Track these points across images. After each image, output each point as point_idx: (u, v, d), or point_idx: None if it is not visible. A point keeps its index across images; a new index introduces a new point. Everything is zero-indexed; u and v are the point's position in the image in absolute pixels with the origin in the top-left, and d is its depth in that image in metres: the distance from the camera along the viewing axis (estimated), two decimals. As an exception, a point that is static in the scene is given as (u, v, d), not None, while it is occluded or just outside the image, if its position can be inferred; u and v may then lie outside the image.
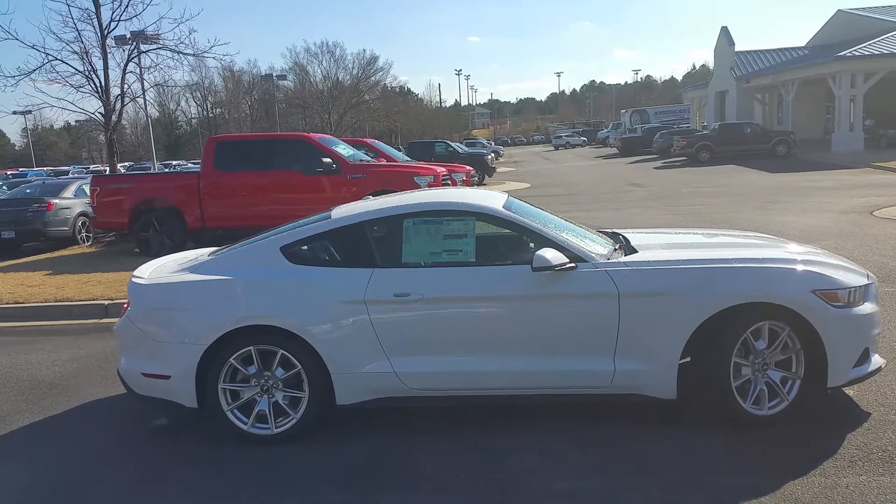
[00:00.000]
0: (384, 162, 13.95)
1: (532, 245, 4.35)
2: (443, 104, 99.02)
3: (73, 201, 14.85)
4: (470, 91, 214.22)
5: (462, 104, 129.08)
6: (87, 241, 14.63)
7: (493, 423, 4.40)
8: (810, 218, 12.29)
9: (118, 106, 14.92)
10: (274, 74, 55.02)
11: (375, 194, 10.81)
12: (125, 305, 4.55)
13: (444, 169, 12.37)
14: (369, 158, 13.31)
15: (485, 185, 26.26)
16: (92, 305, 8.14)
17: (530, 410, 4.50)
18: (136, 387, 4.47)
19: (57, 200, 14.61)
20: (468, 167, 16.72)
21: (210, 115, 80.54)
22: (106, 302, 8.09)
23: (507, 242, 4.58)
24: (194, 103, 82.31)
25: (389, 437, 4.33)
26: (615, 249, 4.48)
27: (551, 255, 4.02)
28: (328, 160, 11.28)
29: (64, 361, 6.39)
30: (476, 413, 4.51)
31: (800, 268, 4.12)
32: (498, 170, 32.63)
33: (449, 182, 12.18)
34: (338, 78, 55.70)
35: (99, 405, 5.22)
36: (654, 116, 52.62)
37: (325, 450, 4.20)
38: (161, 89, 55.44)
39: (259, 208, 11.41)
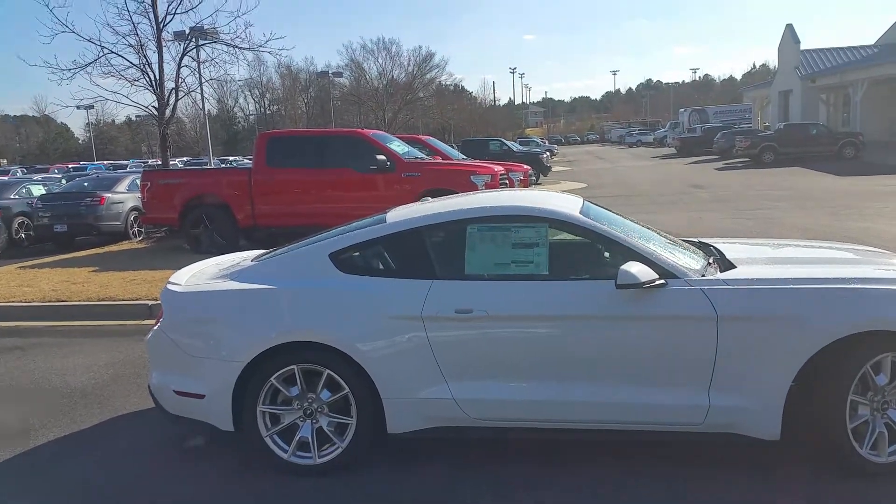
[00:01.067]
0: (439, 160, 13.48)
1: (612, 257, 3.79)
2: (496, 102, 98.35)
3: (126, 195, 14.81)
4: (524, 89, 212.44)
5: (516, 102, 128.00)
6: (139, 237, 14.57)
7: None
8: (887, 225, 11.58)
9: (172, 100, 14.80)
10: (330, 71, 55.13)
11: (430, 193, 10.50)
12: (158, 314, 4.15)
13: (501, 168, 11.84)
14: (424, 156, 12.88)
15: (540, 184, 25.60)
16: (135, 305, 7.88)
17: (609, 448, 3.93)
18: (167, 405, 4.07)
19: (110, 194, 14.58)
20: (526, 166, 16.12)
21: (267, 111, 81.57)
22: (150, 302, 7.81)
23: (584, 253, 4.02)
24: (252, 100, 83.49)
25: (445, 469, 3.83)
26: (709, 264, 3.88)
27: (638, 269, 3.46)
28: (382, 157, 10.87)
29: (100, 367, 6.09)
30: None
31: None
32: (553, 169, 31.87)
33: (506, 182, 11.65)
34: (393, 75, 55.57)
35: (131, 420, 4.85)
36: (714, 116, 51.02)
37: (374, 484, 3.72)
38: (220, 85, 56.42)
39: (311, 206, 11.10)
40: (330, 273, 3.89)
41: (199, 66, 16.56)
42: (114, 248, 13.45)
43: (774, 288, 3.49)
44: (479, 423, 3.75)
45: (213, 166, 26.66)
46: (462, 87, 76.44)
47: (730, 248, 4.29)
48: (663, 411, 3.58)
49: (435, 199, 4.72)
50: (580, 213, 3.91)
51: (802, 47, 38.37)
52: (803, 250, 4.54)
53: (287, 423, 3.88)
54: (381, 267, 4.01)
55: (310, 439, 3.84)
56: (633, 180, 26.07)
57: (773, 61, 43.73)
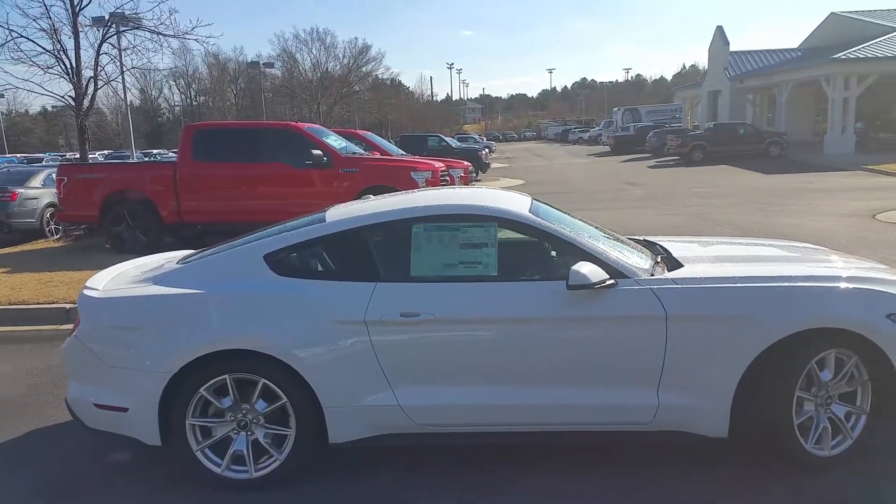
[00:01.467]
0: (378, 155, 13.20)
1: (562, 257, 3.67)
2: (434, 98, 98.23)
3: (41, 191, 13.95)
4: (461, 85, 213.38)
5: (454, 98, 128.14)
6: (56, 235, 13.77)
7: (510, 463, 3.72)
8: (814, 221, 11.96)
9: (90, 90, 13.97)
10: (261, 62, 53.70)
11: (370, 190, 10.30)
12: (75, 322, 3.80)
13: (442, 164, 11.64)
14: (362, 151, 12.58)
15: (479, 181, 25.61)
16: (52, 309, 7.33)
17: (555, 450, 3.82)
18: (87, 419, 3.74)
19: (22, 190, 13.71)
20: (466, 163, 15.98)
21: (194, 103, 79.21)
22: (67, 306, 7.29)
23: (533, 253, 3.89)
24: (177, 90, 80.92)
25: (387, 477, 3.65)
26: (657, 263, 3.81)
27: (589, 270, 3.34)
28: (318, 152, 10.51)
29: (15, 377, 5.63)
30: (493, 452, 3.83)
31: (876, 288, 3.49)
32: (491, 165, 31.95)
33: (447, 178, 11.48)
34: (327, 68, 54.53)
35: (48, 434, 4.46)
36: (646, 115, 52.18)
37: (313, 496, 3.50)
38: (143, 75, 54.27)
39: (242, 203, 10.64)
40: (264, 276, 3.64)
41: (120, 54, 15.67)
42: (28, 247, 12.63)
43: (722, 287, 3.45)
44: (427, 429, 3.57)
45: (135, 160, 25.57)
46: (399, 81, 75.98)
47: (675, 247, 4.24)
48: (613, 411, 3.49)
49: (377, 196, 4.51)
50: (530, 211, 3.77)
51: (731, 49, 39.55)
52: (746, 248, 4.53)
53: (219, 436, 3.62)
54: (320, 269, 3.78)
55: (245, 452, 3.59)
56: (570, 177, 26.39)
57: (702, 63, 45.08)
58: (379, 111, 57.72)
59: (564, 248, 3.62)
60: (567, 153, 48.55)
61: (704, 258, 3.95)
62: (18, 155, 46.14)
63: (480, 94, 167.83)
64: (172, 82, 77.10)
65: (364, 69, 56.17)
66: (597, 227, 4.17)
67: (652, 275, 3.55)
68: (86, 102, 14.01)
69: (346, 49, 55.75)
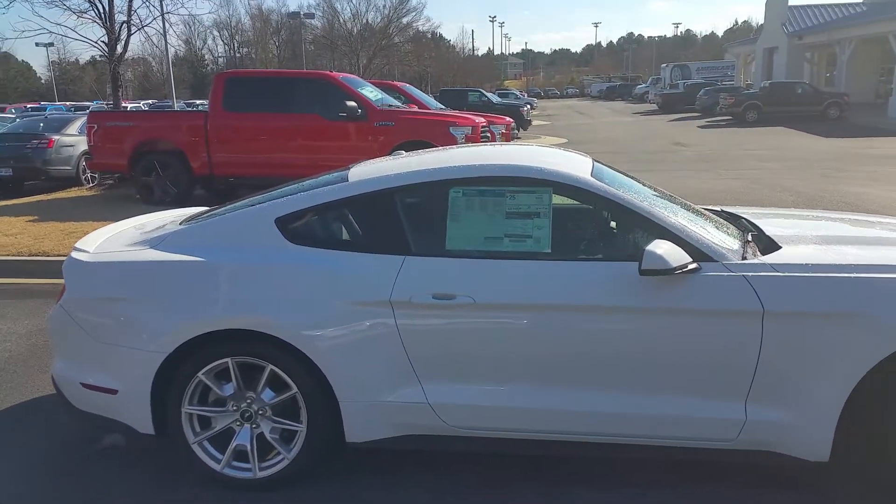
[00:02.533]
0: (416, 109, 12.52)
1: (630, 232, 3.04)
2: (475, 52, 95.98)
3: (77, 138, 13.60)
4: (503, 39, 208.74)
5: (495, 53, 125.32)
6: (91, 183, 13.49)
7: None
8: (881, 190, 11.03)
9: (124, 35, 13.51)
10: (301, 12, 52.84)
11: (406, 146, 9.66)
12: (61, 289, 3.32)
13: (482, 119, 10.92)
14: (399, 104, 11.91)
15: (520, 138, 24.72)
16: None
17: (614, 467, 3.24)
18: (74, 399, 3.28)
19: (59, 137, 13.37)
20: (508, 118, 15.11)
21: (237, 54, 78.82)
22: (85, 260, 6.90)
23: (595, 227, 3.26)
24: (221, 42, 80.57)
25: (416, 487, 3.13)
26: (747, 242, 3.14)
27: (668, 250, 2.71)
28: (352, 104, 9.90)
29: (20, 335, 5.25)
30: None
31: None
32: (532, 123, 30.90)
33: (488, 135, 10.76)
34: (367, 19, 53.40)
35: (39, 406, 4.05)
36: (697, 72, 49.96)
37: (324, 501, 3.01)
38: (187, 25, 53.88)
39: (273, 156, 10.15)
40: (275, 243, 3.09)
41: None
42: (62, 194, 12.37)
43: (837, 277, 2.75)
44: (462, 432, 3.03)
45: (176, 109, 25.24)
46: (440, 34, 74.51)
47: (766, 223, 3.53)
48: (689, 425, 2.89)
49: (409, 153, 3.88)
50: (592, 175, 3.12)
51: (790, 2, 37.40)
52: (853, 227, 3.73)
53: (220, 428, 3.13)
54: (339, 237, 3.23)
55: (248, 448, 3.10)
56: (615, 136, 25.33)
57: (755, 18, 43.00)
58: (419, 64, 56.50)
59: (635, 221, 2.97)
60: (611, 111, 46.93)
61: (806, 238, 3.22)
62: (67, 103, 46.38)
63: (522, 49, 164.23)
64: (216, 33, 76.76)
65: (404, 20, 54.93)
66: (670, 196, 3.50)
67: (744, 258, 2.89)
68: (119, 48, 13.55)
69: (386, -1, 54.43)
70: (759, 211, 4.04)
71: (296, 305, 2.94)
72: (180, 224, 3.48)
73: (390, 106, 10.86)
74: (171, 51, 28.98)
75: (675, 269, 2.68)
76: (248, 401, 3.09)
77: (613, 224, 3.17)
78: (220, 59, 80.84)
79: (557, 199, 3.04)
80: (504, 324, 2.89)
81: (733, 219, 3.62)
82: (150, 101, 43.99)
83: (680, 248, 2.75)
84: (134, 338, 3.05)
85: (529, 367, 2.91)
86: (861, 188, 11.32)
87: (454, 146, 4.00)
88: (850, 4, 36.96)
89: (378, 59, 49.20)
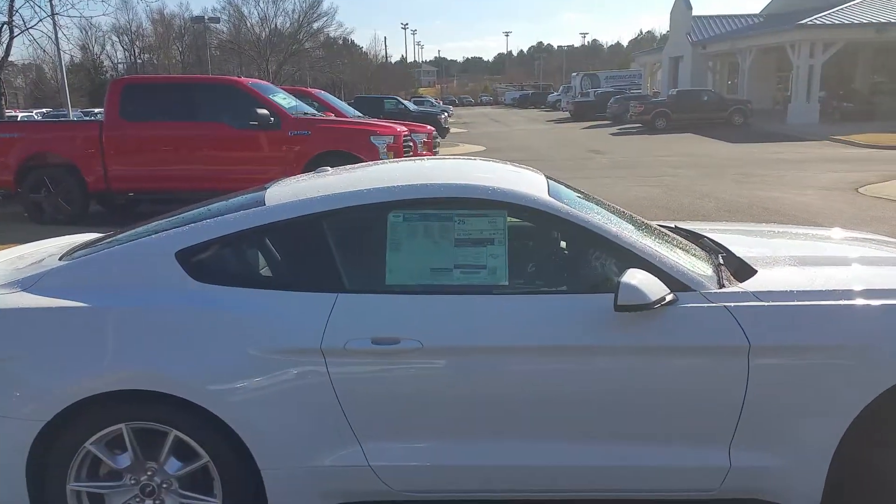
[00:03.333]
0: (333, 117, 11.95)
1: (595, 259, 2.68)
2: (388, 59, 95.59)
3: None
4: (416, 47, 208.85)
5: (408, 60, 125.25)
6: (-28, 200, 12.21)
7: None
8: (796, 195, 11.32)
9: (5, 38, 12.33)
10: (206, 16, 50.94)
11: (324, 157, 9.01)
12: None
13: (404, 128, 10.49)
14: (315, 112, 11.33)
15: (439, 147, 24.45)
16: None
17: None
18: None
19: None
20: (429, 127, 14.76)
21: (138, 60, 75.40)
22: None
23: (554, 254, 2.88)
24: (121, 47, 76.91)
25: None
26: (719, 266, 2.83)
27: (643, 281, 2.36)
28: (264, 111, 9.26)
29: None
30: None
31: None
32: (450, 130, 30.70)
33: (410, 144, 10.33)
34: (276, 23, 52.05)
35: None
36: (605, 81, 51.27)
37: None
38: (83, 31, 50.99)
39: (177, 168, 9.42)
40: (176, 282, 2.56)
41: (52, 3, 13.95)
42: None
43: (827, 305, 2.47)
44: (411, 496, 2.59)
45: (72, 119, 23.64)
46: (352, 41, 73.65)
47: (729, 241, 3.25)
48: (667, 475, 2.54)
49: (337, 169, 3.40)
50: (549, 194, 2.74)
51: (694, 13, 38.83)
52: (821, 245, 3.46)
53: (114, 509, 2.57)
54: (256, 274, 2.73)
55: (151, 531, 2.55)
56: (532, 144, 25.45)
57: (659, 29, 44.50)
58: (331, 71, 55.57)
59: (602, 247, 2.61)
60: (525, 119, 47.46)
61: (780, 260, 2.91)
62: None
63: (435, 57, 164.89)
64: (115, 38, 73.22)
65: (315, 25, 53.89)
66: (630, 216, 3.16)
67: (721, 285, 2.57)
68: (-1, 52, 12.35)
69: (296, 3, 53.31)
70: (712, 226, 3.78)
71: (204, 359, 2.43)
72: (60, 259, 2.88)
73: (305, 114, 10.27)
74: (66, 57, 27.21)
75: (654, 302, 2.33)
76: (150, 473, 2.54)
77: (584, 252, 2.78)
78: (120, 66, 77.19)
79: (511, 221, 2.65)
80: (457, 370, 2.47)
81: (694, 237, 3.33)
82: (43, 111, 41.43)
83: (656, 279, 2.41)
84: (2, 403, 2.45)
85: (488, 418, 2.50)
86: (774, 192, 11.59)
87: (388, 161, 3.54)
88: (748, 16, 38.76)
89: (288, 66, 48.04)
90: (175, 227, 2.71)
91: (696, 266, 2.68)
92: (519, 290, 2.54)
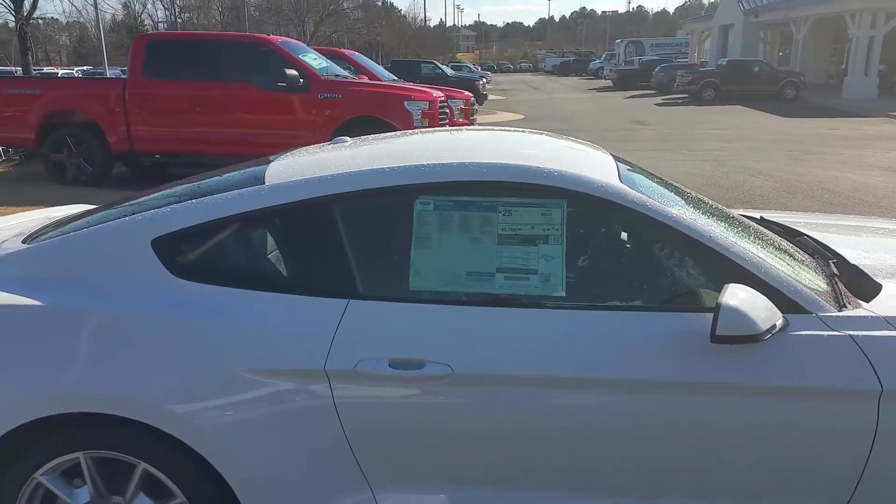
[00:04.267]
0: (366, 80, 11.35)
1: (679, 266, 2.09)
2: (427, 23, 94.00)
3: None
4: (455, 11, 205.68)
5: (447, 24, 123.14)
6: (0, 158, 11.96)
7: None
8: (857, 175, 10.50)
9: (32, -7, 11.92)
10: (244, -27, 50.23)
11: (355, 122, 8.46)
12: None
13: (440, 93, 9.84)
14: (347, 74, 10.74)
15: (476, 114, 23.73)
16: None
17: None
18: None
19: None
20: (467, 93, 13.96)
21: (178, 20, 75.34)
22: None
23: (625, 256, 2.29)
24: (161, 6, 76.94)
25: None
26: (834, 278, 2.22)
27: (750, 303, 1.78)
28: (293, 72, 8.70)
29: None
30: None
31: None
32: (488, 97, 29.83)
33: (447, 111, 9.70)
34: (315, -19, 51.05)
35: None
36: (651, 49, 49.51)
37: None
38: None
39: (201, 130, 8.92)
40: (151, 276, 2.05)
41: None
42: (-40, 171, 10.92)
43: None
44: (429, 555, 2.07)
45: (104, 76, 23.37)
46: (391, 3, 72.36)
47: (836, 241, 2.62)
48: None
49: (356, 140, 2.83)
50: (622, 180, 2.15)
51: (747, -20, 37.06)
52: None
53: (72, 551, 2.11)
54: (249, 270, 2.20)
55: (115, 580, 2.09)
56: (572, 113, 24.59)
57: (708, -5, 42.53)
58: (369, 33, 54.54)
59: (692, 251, 2.01)
60: (566, 87, 46.16)
61: None
62: (-6, 68, 43.42)
63: (475, 21, 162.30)
64: (156, -4, 73.26)
65: (354, -16, 52.79)
66: (716, 207, 2.55)
67: (841, 306, 1.98)
68: (26, 6, 11.96)
69: (336, -39, 52.09)
70: (799, 218, 3.15)
71: (175, 375, 1.93)
72: (24, 241, 2.39)
73: (337, 76, 9.69)
74: (108, 14, 26.82)
75: (764, 332, 1.76)
76: (112, 510, 2.07)
77: (667, 256, 2.19)
78: (161, 25, 77.26)
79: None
80: (497, 404, 1.93)
81: (789, 234, 2.71)
82: (84, 68, 41.60)
83: (764, 298, 1.83)
84: (-65, 420, 1.99)
85: (534, 465, 1.96)
86: (834, 172, 10.82)
87: (419, 131, 2.96)
88: (804, -17, 36.93)
89: (325, 26, 47.18)
90: (152, 210, 2.19)
91: (809, 279, 2.08)
92: (579, 304, 1.97)
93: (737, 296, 1.77)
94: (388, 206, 2.10)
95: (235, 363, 1.93)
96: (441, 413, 1.93)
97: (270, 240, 2.19)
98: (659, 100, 30.49)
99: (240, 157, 2.69)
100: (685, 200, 2.31)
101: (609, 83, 43.64)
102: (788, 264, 2.11)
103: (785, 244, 2.39)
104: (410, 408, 1.93)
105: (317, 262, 2.05)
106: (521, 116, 23.14)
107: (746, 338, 1.74)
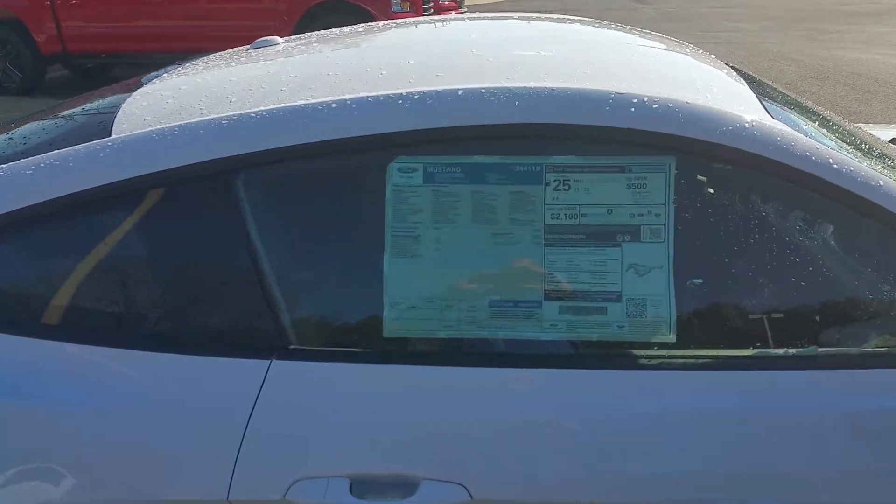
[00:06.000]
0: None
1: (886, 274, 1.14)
2: None
3: None
4: None
5: None
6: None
7: None
8: (887, 56, 9.70)
9: None
10: None
11: (318, 9, 7.37)
12: None
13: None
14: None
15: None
16: None
17: None
18: None
19: None
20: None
21: None
22: None
23: (773, 256, 1.26)
24: None
25: None
26: None
27: None
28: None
29: None
30: None
31: None
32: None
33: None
34: None
35: None
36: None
37: None
38: None
39: (146, 24, 7.78)
40: None
41: None
42: None
43: None
44: None
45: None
46: None
47: None
48: None
49: (290, 39, 1.73)
50: (771, 115, 1.14)
51: None
52: None
53: None
54: (77, 306, 1.20)
55: None
56: (564, -7, 22.96)
57: None
58: None
59: None
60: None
61: None
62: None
63: None
64: None
65: None
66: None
67: None
68: None
69: None
70: None
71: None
72: None
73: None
74: None
75: None
76: None
77: (834, 255, 1.18)
78: None
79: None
80: None
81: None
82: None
83: None
84: None
85: None
86: (860, 54, 9.94)
87: (396, 23, 1.90)
88: None
89: None
90: None
91: None
92: (708, 359, 1.03)
93: None
94: (338, 174, 1.11)
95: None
96: None
97: (115, 242, 1.20)
98: (658, -26, 28.86)
99: (190, 54, 2.02)
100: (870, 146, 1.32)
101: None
102: None
103: None
104: None
105: (204, 283, 1.09)
106: (500, -1, 21.55)
107: None
